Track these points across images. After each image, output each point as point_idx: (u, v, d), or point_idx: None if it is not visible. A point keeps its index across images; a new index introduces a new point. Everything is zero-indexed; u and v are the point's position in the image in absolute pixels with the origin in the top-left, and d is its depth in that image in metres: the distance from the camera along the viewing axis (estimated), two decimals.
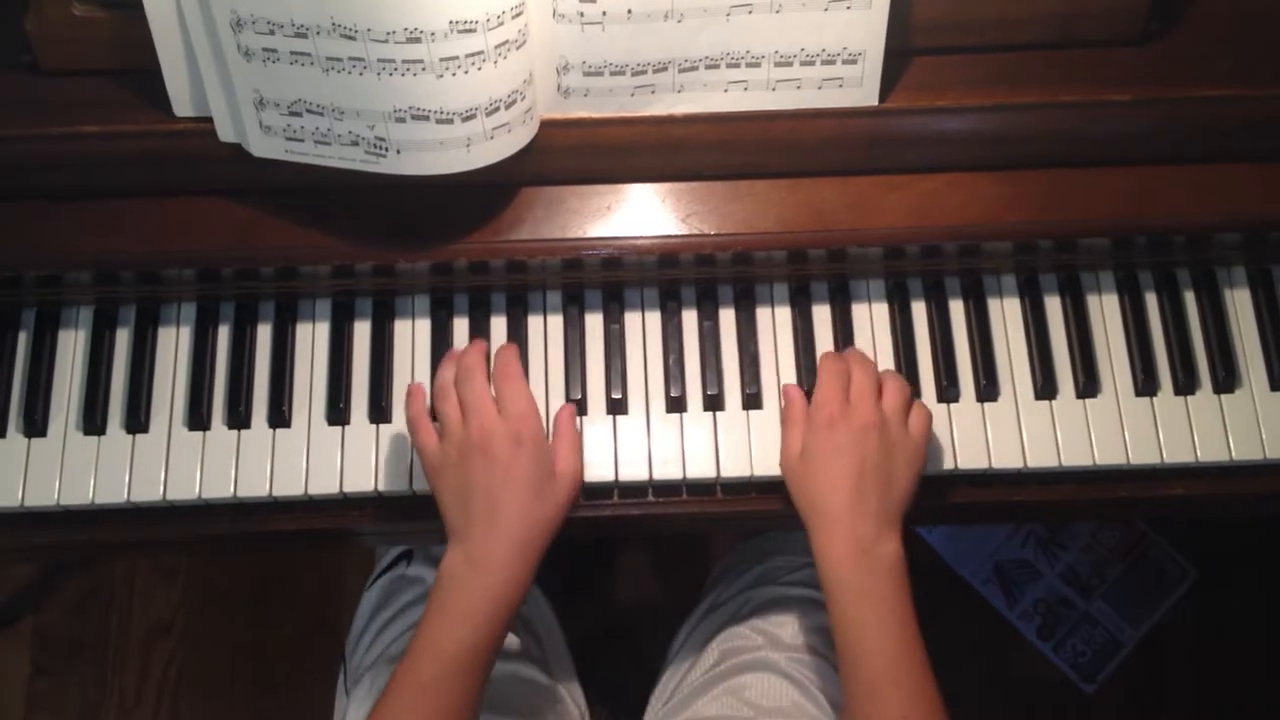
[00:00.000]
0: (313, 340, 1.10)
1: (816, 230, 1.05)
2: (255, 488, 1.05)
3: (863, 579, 0.94)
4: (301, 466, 1.06)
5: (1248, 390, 1.09)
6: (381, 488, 1.06)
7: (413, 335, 1.10)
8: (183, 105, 0.99)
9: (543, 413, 1.06)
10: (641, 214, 1.05)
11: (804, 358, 1.10)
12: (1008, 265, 1.12)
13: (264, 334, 1.10)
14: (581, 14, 0.95)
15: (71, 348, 1.09)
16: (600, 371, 1.09)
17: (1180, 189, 1.05)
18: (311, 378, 1.09)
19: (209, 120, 0.99)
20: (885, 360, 1.10)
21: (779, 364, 1.10)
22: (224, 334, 1.10)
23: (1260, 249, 1.11)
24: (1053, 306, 1.12)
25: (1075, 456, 1.07)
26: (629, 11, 0.95)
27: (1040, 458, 1.07)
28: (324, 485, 1.05)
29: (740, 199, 1.05)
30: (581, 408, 1.08)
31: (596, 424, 1.08)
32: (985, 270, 1.12)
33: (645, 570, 1.94)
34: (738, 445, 1.07)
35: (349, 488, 1.05)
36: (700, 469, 1.07)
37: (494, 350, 1.00)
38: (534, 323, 1.11)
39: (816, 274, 1.11)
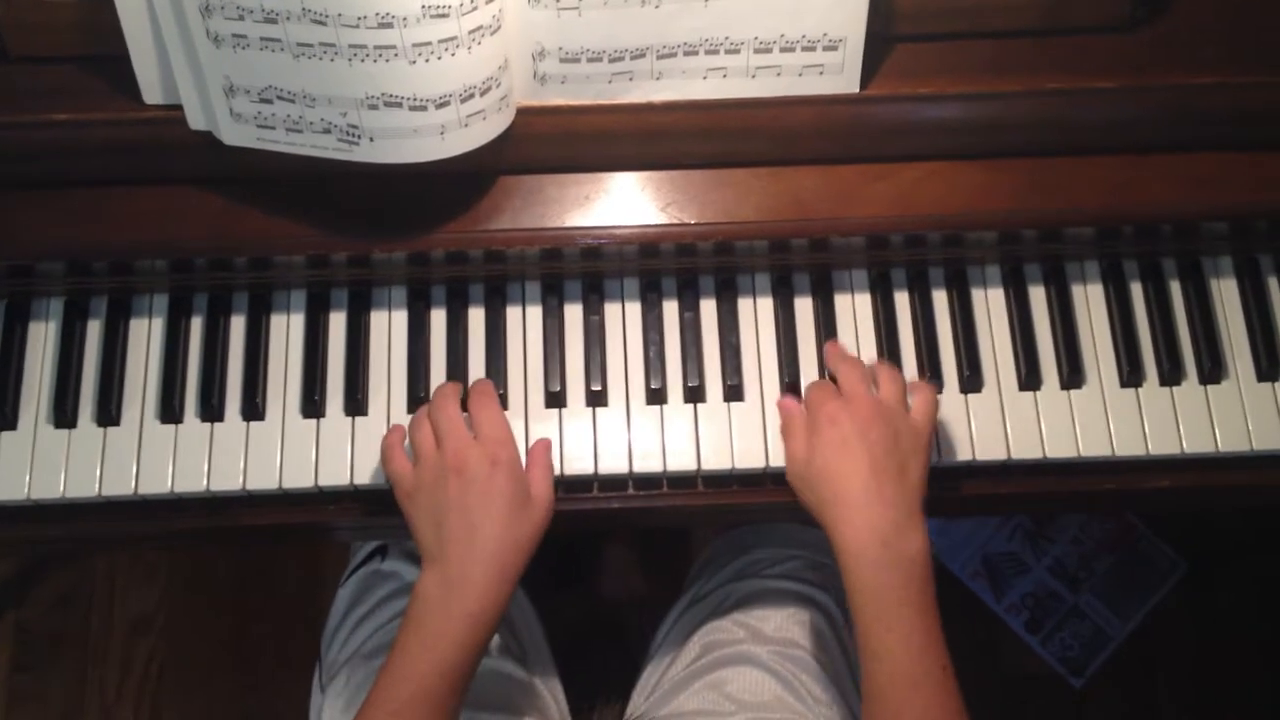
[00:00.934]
0: (287, 332, 1.08)
1: (798, 220, 1.04)
2: (228, 481, 1.04)
3: (884, 575, 0.92)
4: (275, 460, 1.04)
5: (1234, 381, 1.08)
6: (357, 481, 1.04)
7: (389, 327, 1.09)
8: (152, 93, 0.98)
9: (521, 400, 1.06)
10: (621, 203, 1.04)
11: (786, 349, 1.08)
12: (992, 255, 1.10)
13: (238, 325, 1.08)
14: None
15: (42, 340, 1.08)
16: (580, 363, 1.08)
17: (1167, 178, 1.04)
18: (286, 370, 1.07)
19: (179, 108, 0.97)
20: (868, 351, 1.09)
21: (760, 355, 1.09)
22: (197, 325, 1.08)
23: (1247, 238, 1.10)
24: (1037, 297, 1.10)
25: (1059, 448, 1.06)
26: None
27: (1024, 450, 1.06)
28: (299, 479, 1.04)
29: (720, 188, 1.04)
30: (561, 399, 1.07)
31: (576, 416, 1.07)
32: (969, 260, 1.11)
33: (627, 565, 1.92)
34: (719, 437, 1.06)
35: (324, 481, 1.04)
36: (681, 461, 1.06)
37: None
38: (512, 314, 1.09)
39: (799, 264, 1.10)
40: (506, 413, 1.04)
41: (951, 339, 1.09)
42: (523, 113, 0.99)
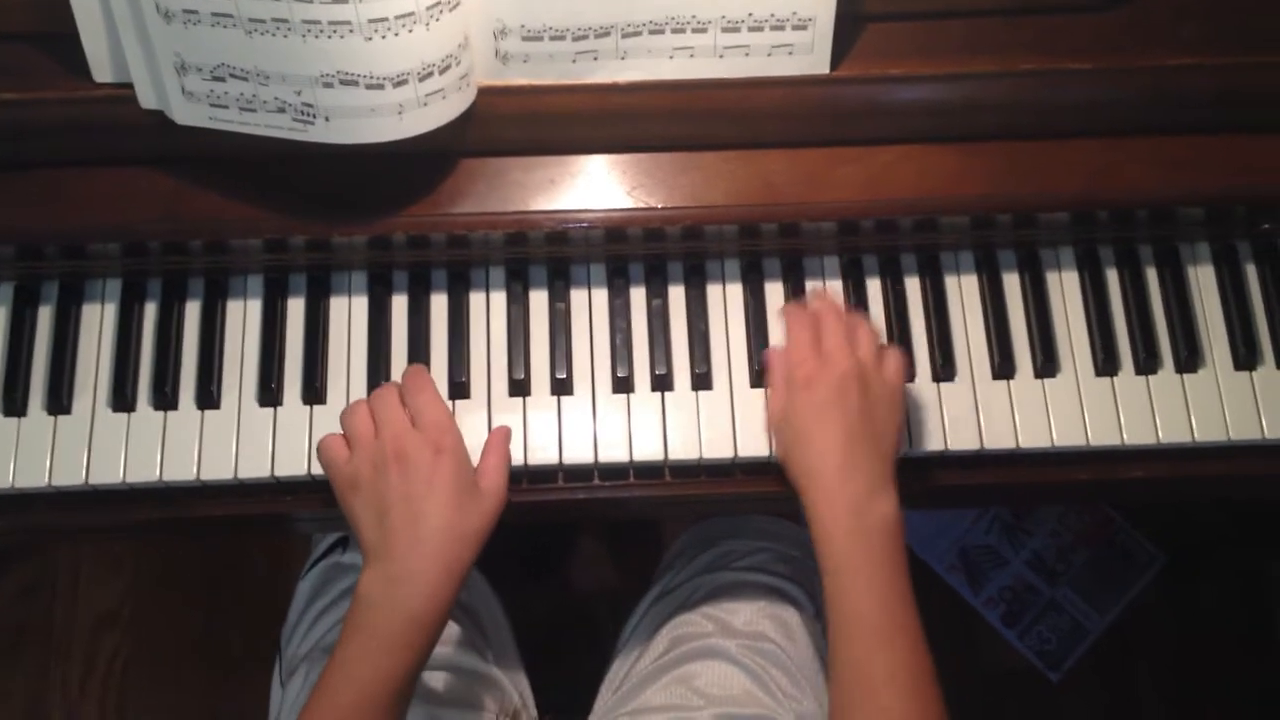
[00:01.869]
0: (244, 318, 1.06)
1: (767, 204, 1.02)
2: (182, 472, 1.01)
3: (856, 542, 0.90)
4: (231, 450, 1.02)
5: (1211, 370, 1.06)
6: (315, 472, 1.01)
7: (349, 313, 1.06)
8: (102, 70, 0.95)
9: (484, 388, 1.04)
10: (587, 186, 1.02)
11: (756, 337, 1.06)
12: (965, 241, 1.08)
13: (192, 311, 1.06)
14: None
15: None
16: (545, 350, 1.06)
17: (1144, 161, 1.02)
18: (242, 357, 1.05)
19: (130, 86, 0.94)
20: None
21: (730, 343, 1.07)
22: (150, 311, 1.06)
23: (1225, 224, 1.08)
24: (1011, 283, 1.08)
25: (1033, 438, 1.04)
26: None
27: (998, 440, 1.04)
28: (255, 469, 1.01)
29: (688, 171, 1.02)
30: (525, 388, 1.04)
31: (541, 405, 1.04)
32: (942, 246, 1.09)
33: (600, 557, 1.90)
34: (687, 427, 1.04)
35: (281, 471, 1.01)
36: (648, 451, 1.04)
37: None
38: (476, 300, 1.07)
39: (769, 250, 1.08)
40: (468, 401, 1.03)
41: (924, 327, 1.07)
42: (484, 93, 0.97)
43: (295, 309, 1.06)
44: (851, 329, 0.97)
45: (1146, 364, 1.06)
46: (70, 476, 1.01)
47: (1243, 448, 1.05)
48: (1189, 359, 1.06)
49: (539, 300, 1.07)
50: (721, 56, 0.97)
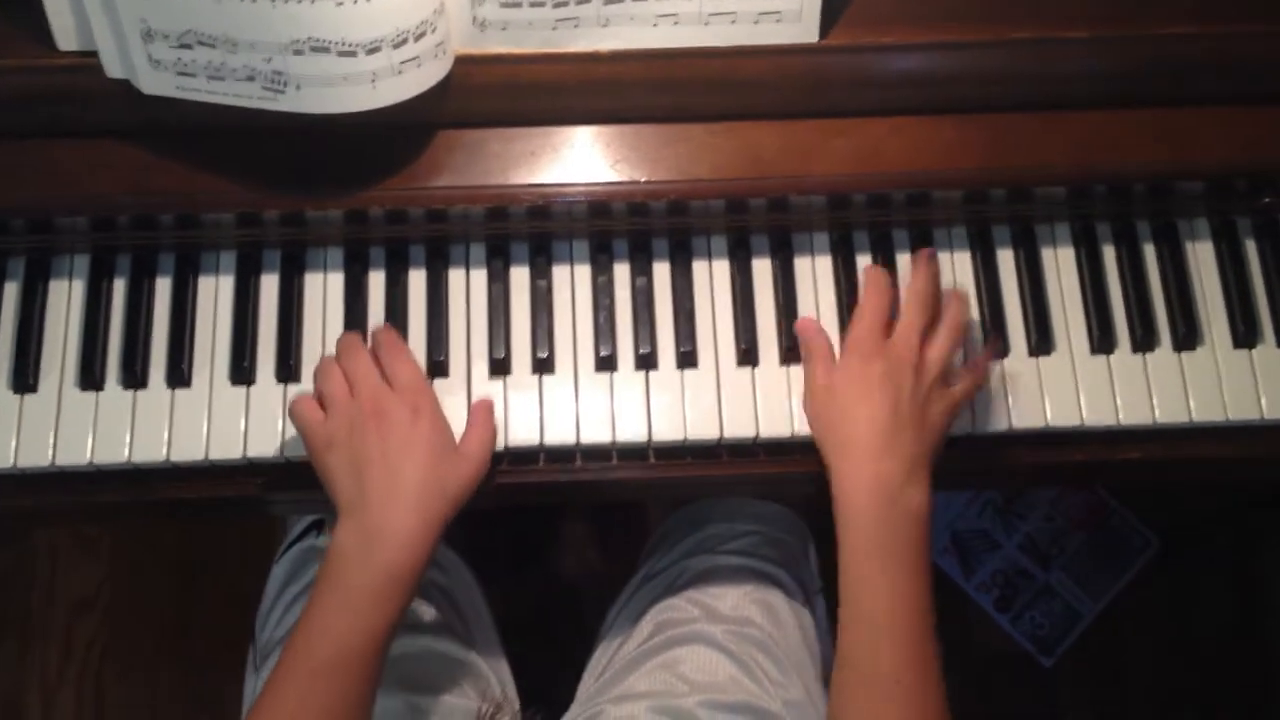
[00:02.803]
0: (216, 294, 1.03)
1: (755, 178, 0.99)
2: (152, 452, 0.98)
3: (882, 528, 0.88)
4: (202, 429, 0.99)
5: (1209, 348, 1.04)
6: (289, 453, 0.99)
7: (324, 289, 1.03)
8: (66, 38, 0.92)
9: (464, 367, 1.01)
10: (568, 159, 0.99)
11: (743, 315, 1.03)
12: (958, 216, 1.06)
13: (163, 288, 1.03)
14: None
15: None
16: (526, 328, 1.03)
17: (1140, 134, 1.00)
18: (214, 335, 1.02)
19: (95, 55, 0.91)
20: (830, 318, 1.04)
21: (716, 322, 1.04)
22: (119, 288, 1.03)
23: (1224, 199, 1.06)
24: (1005, 259, 1.06)
25: (1027, 418, 1.01)
26: None
27: (990, 420, 1.01)
28: (227, 450, 0.99)
29: (673, 144, 0.99)
30: (505, 367, 1.02)
31: (521, 385, 1.02)
32: (935, 222, 1.06)
33: (584, 541, 1.88)
34: (671, 407, 1.01)
35: (254, 452, 0.99)
36: (631, 432, 1.01)
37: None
38: (455, 277, 1.04)
39: (756, 225, 1.05)
40: (447, 380, 1.00)
41: None
42: (462, 61, 0.94)
43: (269, 285, 1.03)
44: (930, 323, 0.95)
45: (1143, 342, 1.03)
46: (35, 457, 0.98)
47: (1241, 428, 1.03)
48: (1187, 337, 1.03)
49: (520, 277, 1.04)
50: (707, 24, 0.94)
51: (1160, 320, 1.04)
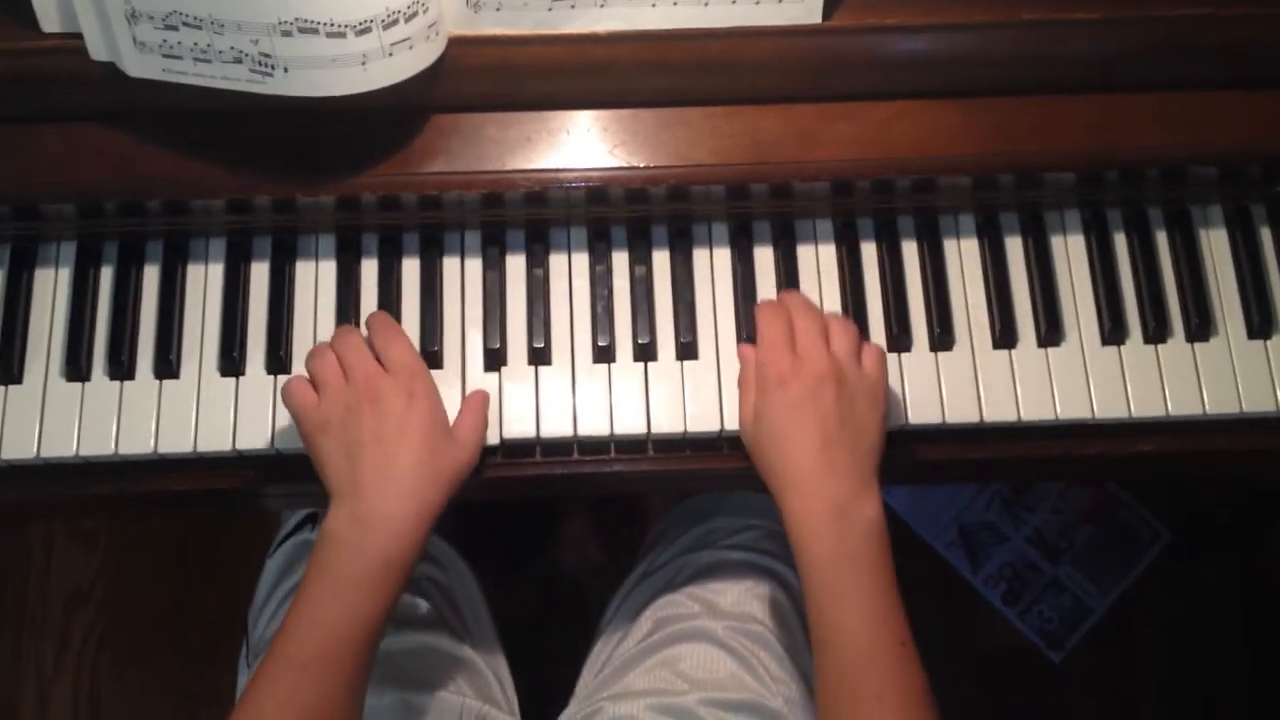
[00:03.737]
0: (205, 283, 1.01)
1: (756, 163, 0.97)
2: (139, 444, 0.96)
3: (839, 546, 0.86)
4: (191, 421, 0.97)
5: (1223, 339, 1.02)
6: (280, 445, 0.97)
7: (316, 278, 1.01)
8: (50, 20, 0.90)
9: (458, 358, 0.99)
10: (565, 145, 0.97)
11: (744, 304, 1.01)
12: (965, 203, 1.03)
13: (151, 276, 1.01)
14: None
15: None
16: (522, 318, 1.01)
17: (1153, 118, 0.97)
18: (203, 324, 1.00)
19: (80, 37, 0.89)
20: (833, 306, 1.02)
21: (717, 311, 1.02)
22: (106, 276, 1.01)
23: (1238, 185, 1.03)
24: (1013, 248, 1.03)
25: (1035, 410, 0.99)
26: None
27: (998, 411, 0.99)
28: (216, 442, 0.97)
29: (672, 128, 0.97)
30: (501, 358, 0.99)
31: (517, 376, 0.99)
32: (941, 209, 1.04)
33: (584, 534, 1.86)
34: (671, 399, 0.99)
35: (243, 444, 0.97)
36: (629, 424, 0.99)
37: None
38: (450, 265, 1.02)
39: (758, 212, 1.03)
40: (441, 372, 0.98)
41: (921, 293, 1.03)
42: (455, 43, 0.91)
43: (259, 274, 1.01)
44: (827, 325, 0.93)
45: (1156, 332, 1.01)
46: (20, 450, 0.96)
47: (1256, 421, 1.01)
48: (1200, 327, 1.01)
49: (516, 265, 1.02)
50: (706, 4, 0.91)
51: (1173, 310, 1.02)
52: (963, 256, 1.03)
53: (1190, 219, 1.04)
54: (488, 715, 1.08)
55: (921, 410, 0.99)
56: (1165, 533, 1.95)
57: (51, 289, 1.00)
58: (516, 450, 0.99)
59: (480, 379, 0.99)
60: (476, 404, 0.95)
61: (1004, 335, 1.01)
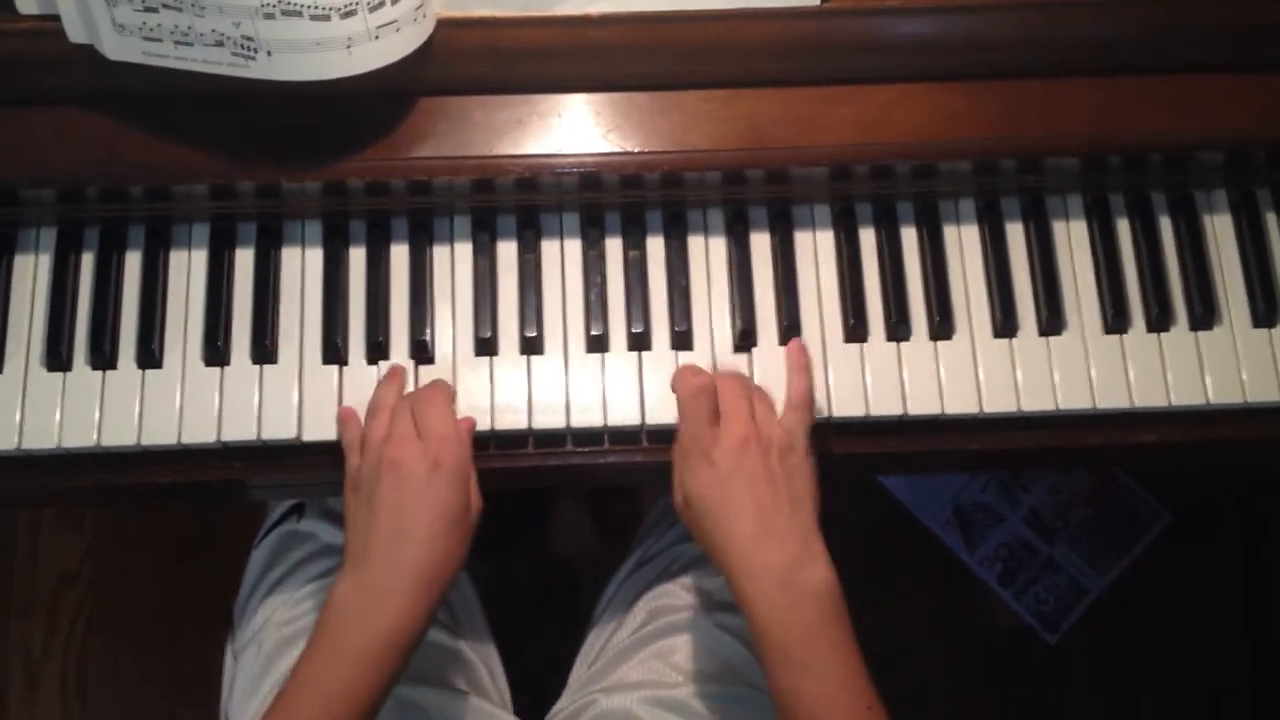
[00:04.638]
0: (188, 270, 0.98)
1: (753, 148, 0.95)
2: (122, 436, 0.94)
3: (790, 616, 0.83)
4: (174, 412, 0.95)
5: (1227, 327, 1.00)
6: (265, 435, 0.95)
7: (302, 265, 0.99)
8: (27, 2, 0.88)
9: (449, 347, 0.98)
10: (558, 129, 0.95)
11: (740, 292, 0.99)
12: (966, 188, 1.01)
13: (133, 262, 0.98)
14: None
15: None
16: (513, 307, 0.99)
17: (1157, 102, 0.96)
18: (187, 312, 0.98)
19: (58, 19, 0.87)
20: (831, 294, 1.00)
21: (712, 300, 1.00)
22: (87, 262, 0.98)
23: (1244, 170, 1.01)
24: (1014, 234, 1.01)
25: (1036, 400, 0.97)
26: None
27: (998, 401, 0.97)
28: (200, 433, 0.95)
29: (667, 113, 0.95)
30: (492, 347, 0.98)
31: (509, 365, 0.97)
32: (941, 194, 1.02)
33: (579, 520, 1.85)
34: (665, 388, 0.97)
35: (228, 436, 0.95)
36: (624, 415, 0.97)
37: None
38: (440, 252, 1.00)
39: (755, 198, 1.01)
40: (433, 366, 0.97)
41: (921, 280, 1.01)
42: (443, 25, 0.89)
43: (244, 260, 0.99)
44: (747, 393, 0.90)
45: (1159, 320, 0.99)
46: (1, 441, 0.94)
47: (1260, 411, 0.99)
48: (1204, 315, 0.99)
49: (507, 252, 1.00)
50: None
51: (1176, 298, 1.00)
52: (963, 243, 1.01)
53: (1194, 204, 1.02)
54: (479, 707, 1.07)
55: (920, 400, 0.97)
56: (1165, 514, 1.94)
57: (31, 276, 0.98)
58: (508, 441, 0.98)
59: (471, 368, 0.97)
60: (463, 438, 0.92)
61: (1004, 323, 0.99)
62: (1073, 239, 1.02)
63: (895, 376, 0.98)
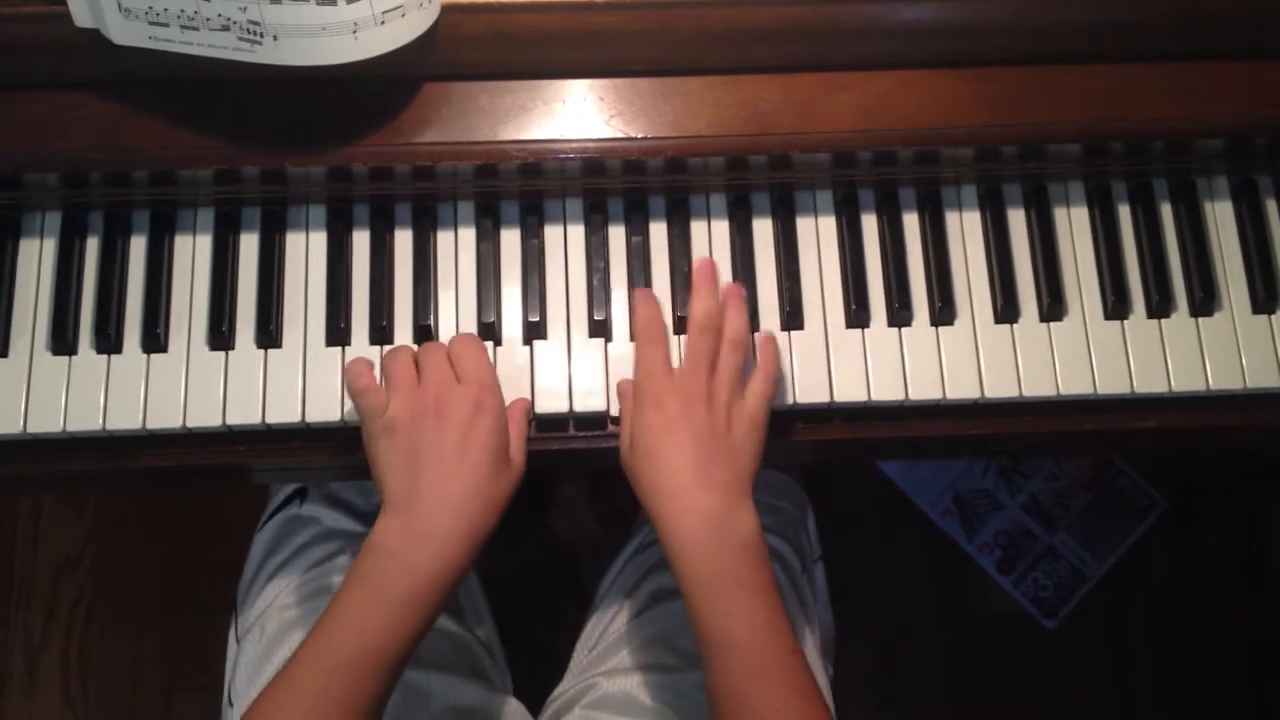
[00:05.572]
0: (193, 255, 0.99)
1: (756, 134, 0.95)
2: (127, 420, 0.94)
3: (719, 561, 0.84)
4: (179, 396, 0.95)
5: (1228, 313, 1.00)
6: (270, 419, 0.95)
7: (306, 249, 0.99)
8: None
9: (452, 332, 0.98)
10: (561, 114, 0.95)
11: (743, 277, 1.00)
12: (967, 174, 1.02)
13: (138, 247, 0.98)
14: None
15: None
16: (517, 292, 0.99)
17: (1159, 89, 0.96)
18: (191, 297, 0.98)
19: (64, 3, 0.87)
20: (833, 279, 1.00)
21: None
22: (92, 247, 0.98)
23: (1245, 157, 1.01)
24: (1016, 220, 1.02)
25: (1037, 385, 0.98)
26: None
27: (999, 387, 0.98)
28: (204, 417, 0.95)
29: (670, 99, 0.95)
30: (495, 332, 0.98)
31: (512, 350, 0.98)
32: (943, 180, 1.02)
33: (580, 507, 1.85)
34: None
35: (233, 420, 0.95)
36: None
37: None
38: (443, 238, 1.00)
39: (757, 184, 1.01)
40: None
41: (922, 266, 1.01)
42: (449, 10, 0.89)
43: (248, 245, 0.99)
44: (718, 345, 0.91)
45: (1159, 307, 0.99)
46: (6, 425, 0.94)
47: (1259, 396, 1.00)
48: (1204, 301, 1.00)
49: (510, 237, 1.00)
50: None
51: (1177, 284, 1.01)
52: (964, 229, 1.02)
53: (1195, 191, 1.02)
54: (480, 691, 1.07)
55: (922, 386, 0.97)
56: (1162, 501, 1.94)
57: (36, 260, 0.98)
58: None
59: None
60: (519, 418, 0.93)
61: (1005, 309, 0.99)
62: (1074, 225, 1.02)
63: (897, 362, 0.98)
